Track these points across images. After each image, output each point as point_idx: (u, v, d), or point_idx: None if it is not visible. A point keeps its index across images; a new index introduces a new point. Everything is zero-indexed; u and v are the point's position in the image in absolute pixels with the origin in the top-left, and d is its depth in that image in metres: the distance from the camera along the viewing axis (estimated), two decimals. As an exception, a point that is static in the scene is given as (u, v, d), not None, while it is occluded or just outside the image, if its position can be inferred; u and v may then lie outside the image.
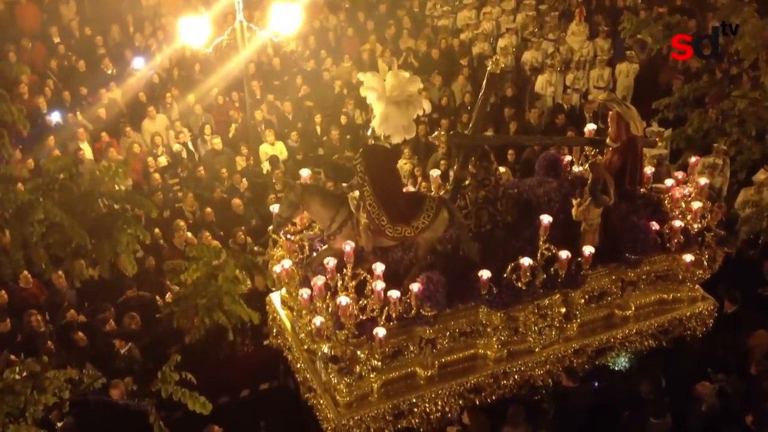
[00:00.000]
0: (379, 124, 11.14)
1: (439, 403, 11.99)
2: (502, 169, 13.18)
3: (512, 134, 18.76)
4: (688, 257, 12.58)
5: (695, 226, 12.70)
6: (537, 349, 12.36)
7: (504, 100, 20.80)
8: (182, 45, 20.85)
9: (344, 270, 11.20)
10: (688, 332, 13.29)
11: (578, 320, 12.54)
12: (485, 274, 11.51)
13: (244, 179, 17.96)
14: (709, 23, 20.67)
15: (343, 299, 10.95)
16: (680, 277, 12.89)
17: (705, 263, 12.88)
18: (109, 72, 21.75)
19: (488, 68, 12.04)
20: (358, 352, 11.29)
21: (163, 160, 19.12)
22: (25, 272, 13.89)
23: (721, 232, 12.91)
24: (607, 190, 12.04)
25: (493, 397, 12.32)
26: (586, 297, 12.57)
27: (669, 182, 13.10)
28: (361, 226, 11.40)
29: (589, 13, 23.44)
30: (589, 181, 12.06)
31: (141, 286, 14.76)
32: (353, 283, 11.22)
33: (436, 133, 12.31)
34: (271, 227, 12.11)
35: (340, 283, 11.23)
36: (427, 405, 11.93)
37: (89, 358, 12.39)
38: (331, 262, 11.27)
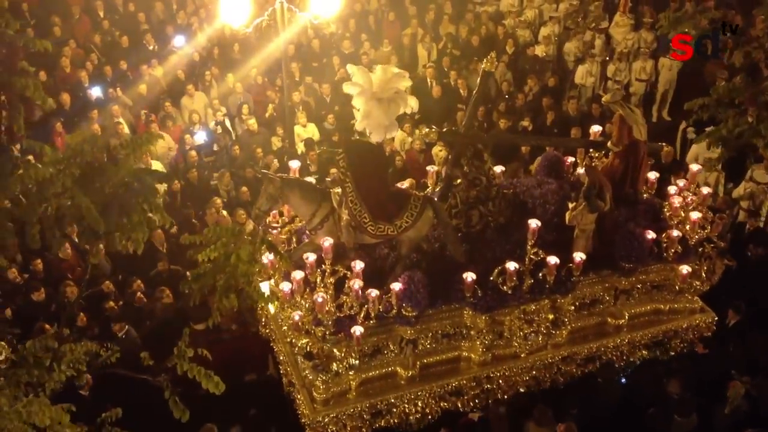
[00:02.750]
0: (360, 121, 10.97)
1: (419, 404, 11.80)
2: (498, 169, 12.90)
3: (549, 125, 18.40)
4: (685, 268, 12.15)
5: (694, 236, 12.25)
6: (523, 355, 12.08)
7: (544, 90, 20.41)
8: (222, 24, 20.86)
9: (323, 265, 11.09)
10: (684, 345, 12.86)
11: (568, 327, 12.24)
12: (470, 276, 11.30)
13: (275, 160, 17.89)
14: (756, 19, 19.94)
15: (319, 296, 10.85)
16: (677, 288, 12.47)
17: (703, 275, 12.45)
18: (151, 48, 21.87)
19: (482, 66, 11.74)
20: (335, 350, 11.17)
21: (199, 138, 19.19)
22: (66, 243, 14.09)
23: (722, 244, 12.46)
24: (603, 196, 11.71)
25: (476, 401, 12.08)
26: (577, 304, 12.25)
27: (671, 190, 12.65)
28: (343, 223, 11.26)
29: (635, 3, 22.76)
30: (584, 186, 11.73)
31: (175, 260, 14.79)
32: (332, 279, 11.09)
33: (426, 130, 12.05)
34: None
35: (319, 278, 11.11)
36: (406, 405, 11.76)
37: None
38: (311, 257, 11.16)
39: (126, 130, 18.56)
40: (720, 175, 17.11)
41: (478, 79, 12.29)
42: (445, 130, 11.94)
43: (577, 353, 12.39)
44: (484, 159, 11.95)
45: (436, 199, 11.99)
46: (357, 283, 10.93)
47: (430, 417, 11.93)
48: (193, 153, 18.24)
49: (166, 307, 13.65)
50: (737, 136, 15.02)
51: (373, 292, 10.93)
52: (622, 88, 20.85)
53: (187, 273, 13.64)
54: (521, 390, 12.31)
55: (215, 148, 18.94)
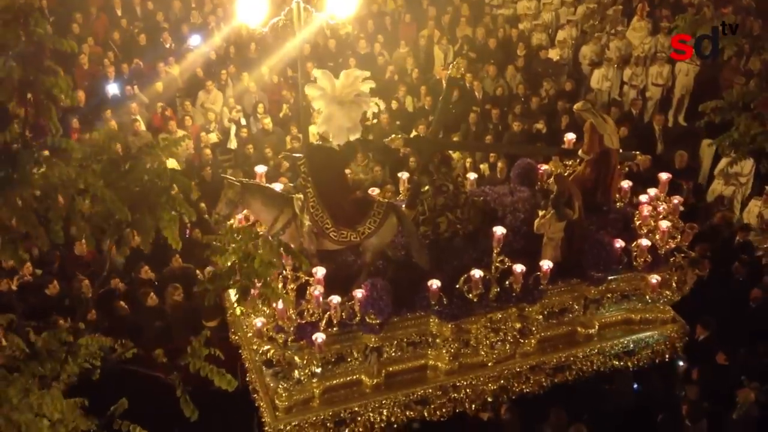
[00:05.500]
0: (320, 124, 10.93)
1: (384, 412, 11.72)
2: (472, 176, 12.79)
3: (563, 128, 18.19)
4: (655, 278, 11.98)
5: (664, 245, 12.05)
6: (490, 364, 11.96)
7: (560, 94, 20.25)
8: (239, 24, 20.96)
9: (284, 272, 11.05)
10: (655, 355, 12.68)
11: (536, 336, 12.10)
12: (435, 283, 11.20)
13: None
14: (776, 25, 19.61)
15: (279, 303, 10.80)
16: (648, 297, 12.29)
17: (674, 284, 12.24)
18: (168, 46, 22.03)
19: (448, 72, 11.65)
20: (296, 358, 11.13)
21: (213, 137, 19.32)
22: (82, 240, 14.12)
23: (692, 254, 12.24)
24: (572, 204, 11.57)
25: (443, 410, 11.98)
26: (545, 313, 12.11)
27: (643, 198, 12.46)
28: (305, 229, 11.21)
29: (653, 8, 22.51)
30: (553, 194, 11.60)
31: (188, 257, 14.91)
32: (293, 286, 11.05)
33: (392, 136, 11.95)
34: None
35: (281, 285, 11.07)
36: (370, 414, 11.68)
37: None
38: (272, 263, 11.09)
39: (143, 127, 18.78)
40: (737, 190, 16.81)
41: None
42: (412, 136, 11.82)
43: (546, 362, 12.26)
44: (451, 166, 11.84)
45: (403, 206, 11.93)
46: (318, 290, 10.88)
47: (396, 426, 11.84)
48: (208, 151, 18.40)
49: (176, 305, 13.73)
50: (750, 140, 14.76)
51: (335, 299, 10.87)
52: (639, 93, 20.73)
53: (206, 270, 13.80)
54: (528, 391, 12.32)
55: (230, 146, 19.09)
